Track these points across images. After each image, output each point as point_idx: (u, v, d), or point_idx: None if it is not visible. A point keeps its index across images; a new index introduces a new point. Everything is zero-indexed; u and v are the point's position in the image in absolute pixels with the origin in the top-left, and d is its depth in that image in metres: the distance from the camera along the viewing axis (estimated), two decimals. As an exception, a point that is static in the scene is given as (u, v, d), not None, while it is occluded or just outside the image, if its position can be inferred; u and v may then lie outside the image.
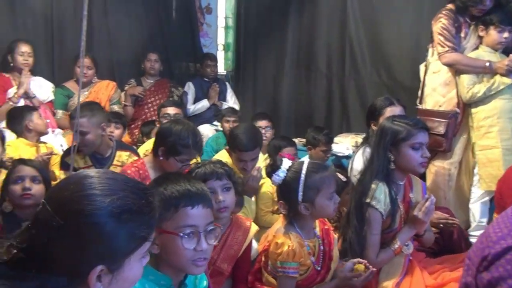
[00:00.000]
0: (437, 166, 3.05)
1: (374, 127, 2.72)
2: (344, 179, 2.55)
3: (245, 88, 5.34)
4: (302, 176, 1.82)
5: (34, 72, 3.95)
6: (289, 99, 4.84)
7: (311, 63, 4.66)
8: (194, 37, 5.19)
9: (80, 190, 0.90)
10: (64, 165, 2.82)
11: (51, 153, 3.14)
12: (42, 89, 3.98)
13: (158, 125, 3.50)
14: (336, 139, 3.96)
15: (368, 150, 2.66)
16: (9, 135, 3.42)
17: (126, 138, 4.15)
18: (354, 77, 4.30)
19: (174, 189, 1.33)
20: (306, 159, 1.91)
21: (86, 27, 4.26)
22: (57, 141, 3.72)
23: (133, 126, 4.37)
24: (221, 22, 5.61)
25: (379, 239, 2.01)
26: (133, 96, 4.44)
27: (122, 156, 2.96)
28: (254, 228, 2.00)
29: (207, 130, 4.62)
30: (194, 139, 2.36)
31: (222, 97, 4.99)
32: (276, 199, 2.98)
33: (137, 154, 3.05)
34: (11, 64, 3.80)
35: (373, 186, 2.03)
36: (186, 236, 1.27)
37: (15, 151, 3.15)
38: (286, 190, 1.86)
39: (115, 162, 2.93)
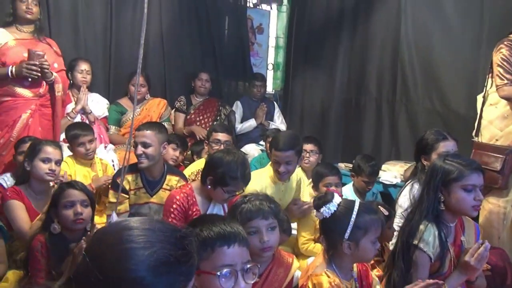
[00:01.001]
0: (492, 204, 2.89)
1: (424, 162, 2.64)
2: (386, 213, 2.48)
3: (293, 109, 5.33)
4: (354, 213, 1.79)
5: (91, 88, 4.15)
6: (337, 122, 4.78)
7: (361, 86, 4.58)
8: (244, 57, 5.26)
9: (119, 243, 0.90)
10: (115, 185, 2.89)
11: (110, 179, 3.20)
12: (98, 105, 4.16)
13: (206, 147, 3.53)
14: (383, 167, 3.87)
15: (416, 186, 2.58)
16: (66, 149, 3.59)
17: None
18: (405, 103, 4.17)
19: (209, 230, 1.35)
20: (357, 200, 1.86)
21: (143, 45, 4.42)
22: (109, 157, 3.86)
23: (182, 144, 4.46)
24: (272, 42, 5.66)
25: (426, 284, 1.92)
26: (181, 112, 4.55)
27: (172, 180, 3.01)
28: (296, 265, 1.97)
29: (252, 150, 4.65)
30: (243, 172, 2.38)
31: (270, 117, 5.02)
32: (317, 226, 2.98)
33: (186, 180, 3.10)
34: (71, 81, 3.99)
35: (421, 227, 1.95)
36: (224, 276, 1.27)
37: (71, 167, 3.30)
38: (332, 225, 1.82)
39: (164, 186, 2.99)
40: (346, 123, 4.74)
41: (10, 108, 3.24)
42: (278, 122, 5.07)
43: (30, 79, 3.19)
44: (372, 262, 2.52)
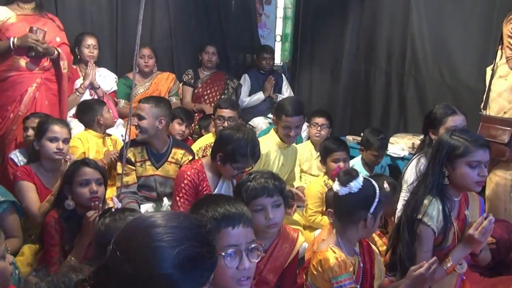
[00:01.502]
0: (499, 176, 2.90)
1: (432, 136, 2.63)
2: (388, 189, 2.51)
3: (301, 80, 5.30)
4: (377, 189, 1.82)
5: (98, 63, 4.15)
6: (346, 94, 4.74)
7: (370, 58, 4.52)
8: (252, 28, 5.20)
9: (148, 241, 0.96)
10: (121, 158, 2.91)
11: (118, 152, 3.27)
12: (106, 80, 4.17)
13: (212, 122, 3.54)
14: (391, 139, 3.86)
15: (422, 160, 2.58)
16: (75, 125, 3.64)
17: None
18: (415, 75, 4.11)
19: (214, 211, 1.38)
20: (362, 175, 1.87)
21: (149, 20, 4.39)
22: (118, 132, 3.89)
23: (190, 116, 4.47)
24: (280, 13, 5.57)
25: (430, 256, 1.94)
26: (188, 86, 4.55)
27: (177, 153, 3.07)
28: (301, 239, 2.01)
29: (261, 123, 4.66)
30: (252, 149, 2.42)
31: (278, 89, 4.99)
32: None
33: (192, 153, 3.14)
34: (78, 56, 4.00)
35: (425, 201, 1.97)
36: (228, 255, 1.31)
37: (84, 143, 3.35)
38: (355, 200, 1.81)
39: (169, 159, 3.05)
40: (354, 95, 4.70)
41: (16, 82, 3.27)
42: (286, 95, 5.04)
43: (33, 53, 3.21)
44: (375, 233, 2.56)
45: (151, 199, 3.12)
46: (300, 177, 3.82)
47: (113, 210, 1.79)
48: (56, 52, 3.37)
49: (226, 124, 3.38)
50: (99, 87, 4.01)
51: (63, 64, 3.43)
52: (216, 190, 2.52)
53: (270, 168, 2.97)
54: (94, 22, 4.16)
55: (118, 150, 3.20)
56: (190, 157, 3.10)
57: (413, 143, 3.71)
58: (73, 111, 3.84)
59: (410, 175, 2.63)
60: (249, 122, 4.76)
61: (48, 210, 2.21)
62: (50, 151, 2.60)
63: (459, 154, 1.93)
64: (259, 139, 3.10)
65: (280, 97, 4.93)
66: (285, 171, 3.07)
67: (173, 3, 4.55)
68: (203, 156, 3.20)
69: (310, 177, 3.80)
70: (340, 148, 3.04)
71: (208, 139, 3.53)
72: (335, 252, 1.79)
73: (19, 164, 2.96)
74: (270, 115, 4.77)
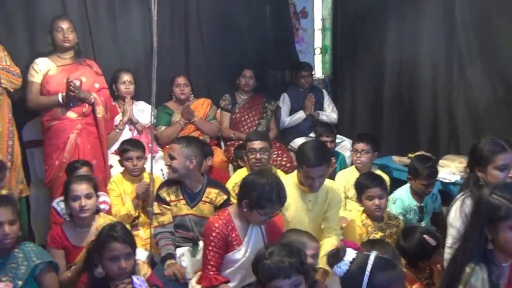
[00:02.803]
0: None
1: (479, 174, 2.40)
2: (434, 243, 2.31)
3: (343, 95, 5.11)
4: (367, 273, 1.60)
5: (136, 97, 4.20)
6: (390, 110, 4.48)
7: (414, 71, 4.23)
8: (289, 44, 5.07)
9: None
10: (159, 198, 3.01)
11: (147, 187, 3.29)
12: (144, 113, 4.21)
13: (245, 157, 3.47)
14: (441, 162, 3.61)
15: (468, 202, 2.36)
16: (116, 162, 3.70)
17: (221, 157, 4.23)
18: (464, 91, 3.80)
19: None
20: (372, 254, 1.64)
21: (183, 48, 4.40)
22: (158, 167, 3.92)
23: (229, 143, 4.43)
24: (317, 25, 5.39)
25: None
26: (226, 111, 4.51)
27: (212, 193, 3.06)
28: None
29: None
30: (278, 194, 2.36)
31: (319, 106, 4.84)
32: (365, 239, 2.86)
33: (226, 192, 3.10)
34: (116, 93, 4.07)
35: (467, 270, 1.77)
36: None
37: (119, 186, 3.41)
38: (349, 284, 1.67)
39: (204, 198, 3.05)
40: (399, 112, 4.41)
41: (58, 131, 3.41)
42: (329, 111, 4.88)
43: (71, 104, 3.37)
44: (420, 285, 2.39)
45: (188, 239, 3.11)
46: (345, 204, 3.67)
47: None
48: (91, 97, 3.48)
49: (258, 155, 3.33)
50: (138, 121, 4.07)
51: (98, 108, 3.54)
52: (246, 238, 2.46)
53: (287, 214, 2.78)
54: (129, 58, 4.20)
55: (146, 183, 3.26)
56: (225, 197, 3.07)
57: (465, 167, 3.42)
58: (114, 147, 3.92)
59: (454, 218, 2.42)
60: (291, 144, 4.66)
61: (79, 274, 2.23)
62: (74, 211, 2.65)
63: (501, 216, 1.72)
64: None
65: (322, 114, 4.79)
66: (316, 216, 2.86)
67: (206, 29, 4.51)
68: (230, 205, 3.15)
69: (356, 204, 3.63)
70: (373, 184, 2.85)
71: (242, 174, 3.47)
72: None
73: (61, 213, 3.06)
74: (312, 135, 4.63)
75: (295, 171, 2.91)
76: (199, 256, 2.97)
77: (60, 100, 3.35)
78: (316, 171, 2.63)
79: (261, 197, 2.31)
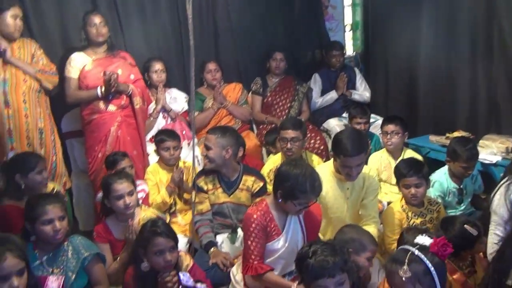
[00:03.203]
0: None
1: None
2: (475, 233, 2.27)
3: (376, 72, 4.97)
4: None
5: (169, 84, 4.23)
6: (427, 88, 4.31)
7: (452, 47, 4.04)
8: (319, 23, 4.96)
9: None
10: (196, 187, 3.06)
11: (182, 172, 3.41)
12: (177, 101, 4.24)
13: (278, 143, 3.43)
14: (481, 142, 3.51)
15: (512, 188, 2.31)
16: (152, 150, 3.77)
17: (255, 141, 4.25)
18: (505, 65, 3.61)
19: None
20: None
21: (212, 32, 4.37)
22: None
23: (261, 127, 4.43)
24: (347, 1, 5.24)
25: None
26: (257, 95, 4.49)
27: (248, 180, 3.09)
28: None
29: (335, 125, 4.49)
30: (312, 184, 2.35)
31: (351, 85, 4.77)
32: (405, 225, 2.85)
33: (262, 179, 3.13)
34: (148, 82, 4.11)
35: (515, 264, 1.75)
36: None
37: (155, 176, 3.48)
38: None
39: (241, 186, 3.09)
40: (436, 89, 4.24)
41: (99, 124, 3.49)
42: (361, 89, 4.80)
43: (110, 97, 3.44)
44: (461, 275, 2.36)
45: (226, 226, 3.17)
46: (380, 187, 3.64)
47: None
48: (129, 89, 3.54)
49: (289, 145, 3.31)
50: (171, 109, 4.11)
51: (136, 100, 3.60)
52: (286, 227, 2.48)
53: (325, 203, 2.81)
54: (160, 46, 4.22)
55: (181, 170, 3.37)
56: (261, 184, 3.10)
57: (507, 148, 3.34)
58: (149, 135, 3.99)
59: (498, 205, 2.38)
60: (323, 125, 4.62)
61: (126, 267, 2.31)
62: (120, 209, 2.73)
63: None
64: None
65: (355, 93, 4.71)
66: (353, 203, 2.86)
67: (234, 12, 4.45)
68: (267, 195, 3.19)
69: (390, 186, 3.62)
70: (409, 174, 2.80)
71: (276, 160, 3.48)
72: None
73: (105, 206, 3.15)
74: (345, 115, 4.58)
75: (331, 160, 2.90)
76: (238, 243, 3.04)
77: (100, 93, 3.41)
78: (354, 161, 2.62)
79: (295, 188, 2.31)
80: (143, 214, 2.80)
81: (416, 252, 1.68)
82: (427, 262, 1.67)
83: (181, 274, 1.95)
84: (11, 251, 1.88)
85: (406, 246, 1.74)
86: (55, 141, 3.37)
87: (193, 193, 3.08)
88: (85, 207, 3.75)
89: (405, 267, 1.65)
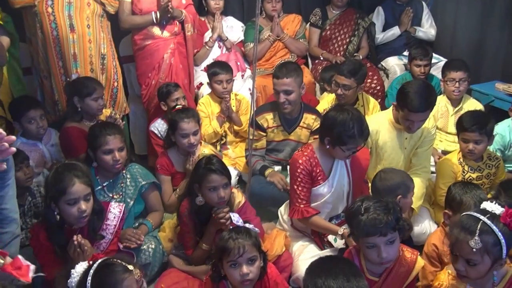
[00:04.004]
0: None
1: None
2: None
3: (445, 7, 4.57)
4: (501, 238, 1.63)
5: (225, 12, 4.13)
6: (500, 29, 3.91)
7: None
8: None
9: None
10: (255, 124, 2.99)
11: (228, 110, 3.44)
12: (233, 30, 4.16)
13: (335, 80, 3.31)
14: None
15: None
16: (205, 79, 3.77)
17: (309, 78, 4.15)
18: None
19: (332, 285, 1.38)
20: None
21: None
22: (246, 86, 3.96)
23: (317, 62, 4.31)
24: None
25: None
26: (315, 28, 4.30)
27: (309, 118, 3.11)
28: (420, 263, 1.93)
29: (394, 65, 4.29)
30: (359, 128, 2.32)
31: (417, 21, 4.46)
32: (459, 178, 2.78)
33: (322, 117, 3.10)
34: (206, 8, 4.02)
35: None
36: None
37: (207, 108, 3.52)
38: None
39: (301, 124, 3.10)
40: (509, 32, 3.91)
41: (152, 50, 3.47)
42: (427, 26, 4.49)
43: (164, 22, 3.38)
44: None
45: (279, 162, 3.22)
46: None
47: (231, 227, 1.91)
48: (183, 15, 3.47)
49: (339, 91, 3.22)
50: (227, 39, 4.04)
51: (187, 27, 3.54)
52: (332, 173, 2.50)
53: (382, 152, 2.76)
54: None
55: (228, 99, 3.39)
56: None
57: None
58: (203, 64, 3.98)
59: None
60: (382, 63, 4.42)
61: (181, 199, 2.43)
62: (184, 146, 2.83)
63: None
64: (374, 115, 2.88)
65: (419, 31, 4.43)
66: (409, 153, 2.80)
67: None
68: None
69: (446, 135, 3.50)
70: (471, 129, 2.66)
71: (330, 100, 3.42)
72: (446, 276, 1.75)
73: (159, 135, 3.26)
74: (405, 53, 4.34)
75: (390, 108, 2.81)
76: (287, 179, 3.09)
77: (154, 19, 3.36)
78: (418, 116, 2.56)
79: (343, 133, 2.28)
80: (203, 150, 2.90)
81: (488, 222, 1.63)
82: (499, 234, 1.62)
83: (232, 215, 2.04)
84: (79, 177, 2.01)
85: (475, 214, 1.68)
86: (117, 67, 3.41)
87: (251, 130, 3.08)
88: (141, 132, 3.88)
89: (477, 237, 1.61)
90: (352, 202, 1.97)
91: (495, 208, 1.68)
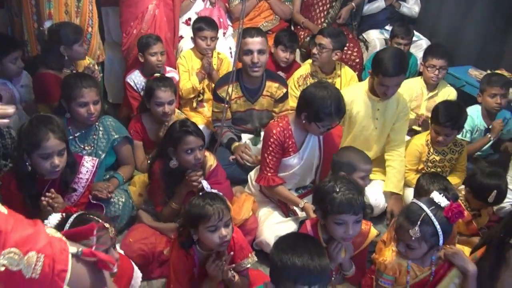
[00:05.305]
0: None
1: None
2: (491, 200, 2.34)
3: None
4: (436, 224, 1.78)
5: (212, -36, 3.98)
6: (487, 11, 3.92)
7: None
8: None
9: None
10: (217, 97, 3.03)
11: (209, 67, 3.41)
12: (218, -16, 4.04)
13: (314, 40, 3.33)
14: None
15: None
16: (187, 33, 3.70)
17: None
18: None
19: (296, 262, 1.47)
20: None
21: None
22: (227, 44, 3.91)
23: (299, 27, 4.27)
24: None
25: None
26: None
27: (272, 87, 3.11)
28: (373, 233, 2.07)
29: (375, 38, 4.31)
30: (337, 107, 2.37)
31: (403, -6, 4.46)
32: (423, 158, 2.91)
33: (285, 85, 3.16)
34: (192, -40, 3.88)
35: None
36: None
37: (188, 62, 3.48)
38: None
39: (264, 93, 3.10)
40: (490, 20, 3.93)
41: (137, -1, 3.34)
42: (412, 2, 4.51)
43: None
44: (467, 215, 2.49)
45: (248, 132, 3.25)
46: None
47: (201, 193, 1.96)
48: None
49: (315, 50, 3.28)
50: (211, -7, 3.94)
51: (175, -22, 3.42)
52: (303, 146, 2.57)
53: (354, 121, 2.83)
54: None
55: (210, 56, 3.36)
56: (284, 90, 3.13)
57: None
58: (185, 17, 3.88)
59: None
60: (363, 34, 4.44)
61: (153, 161, 2.45)
62: (158, 114, 2.80)
63: None
64: (346, 89, 2.94)
65: (404, 6, 4.44)
66: (383, 125, 2.87)
67: None
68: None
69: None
70: (445, 124, 2.75)
71: (309, 67, 3.43)
72: (390, 252, 1.92)
73: (135, 87, 3.21)
74: (388, 28, 4.37)
75: (367, 79, 2.87)
76: (260, 145, 3.13)
77: None
78: (392, 81, 2.63)
79: (320, 110, 2.33)
80: (177, 119, 2.86)
81: (430, 214, 1.77)
82: (438, 226, 1.76)
83: (203, 182, 2.07)
84: (54, 132, 1.99)
85: (421, 204, 1.82)
86: (93, 11, 3.28)
87: (213, 103, 3.10)
88: (115, 80, 3.79)
89: (416, 228, 1.76)
90: (322, 181, 2.05)
91: (442, 200, 1.81)
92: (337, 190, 1.83)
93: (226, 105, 2.85)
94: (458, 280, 1.90)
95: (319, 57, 3.30)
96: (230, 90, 2.76)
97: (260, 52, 2.89)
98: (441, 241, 1.79)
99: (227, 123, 3.10)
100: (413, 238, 1.77)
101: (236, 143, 3.05)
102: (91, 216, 1.64)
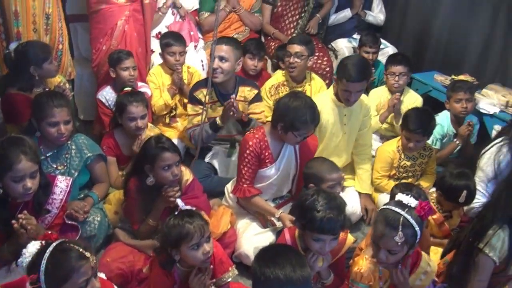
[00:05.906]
0: None
1: None
2: (462, 200, 2.42)
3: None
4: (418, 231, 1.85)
5: (181, -21, 3.99)
6: (444, 21, 4.12)
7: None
8: None
9: None
10: (194, 99, 3.05)
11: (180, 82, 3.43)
12: (188, -2, 4.06)
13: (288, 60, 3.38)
14: (483, 91, 3.52)
15: (504, 150, 2.41)
16: (157, 47, 3.69)
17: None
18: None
19: (279, 275, 1.49)
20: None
21: None
22: (198, 57, 3.92)
23: (269, 38, 4.32)
24: None
25: (485, 285, 1.95)
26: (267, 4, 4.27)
27: (244, 91, 3.14)
28: (350, 240, 2.10)
29: (343, 47, 4.40)
30: (312, 115, 2.43)
31: (368, 4, 4.57)
32: (395, 164, 2.98)
33: (257, 88, 3.19)
34: (160, -26, 3.88)
35: (490, 231, 1.90)
36: None
37: (158, 78, 3.47)
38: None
39: (238, 98, 3.10)
40: (452, 25, 4.07)
41: (107, 16, 3.34)
42: (377, 11, 4.62)
43: None
44: (440, 217, 2.56)
45: (223, 140, 3.24)
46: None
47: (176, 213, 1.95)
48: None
49: (292, 59, 3.32)
50: (181, 6, 3.95)
51: (145, -6, 3.42)
52: (280, 156, 2.59)
53: (324, 131, 2.89)
54: None
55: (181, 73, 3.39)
56: (256, 91, 3.16)
57: (507, 102, 3.37)
58: (155, 31, 3.88)
59: (487, 163, 2.49)
60: (332, 43, 4.52)
61: (128, 177, 2.43)
62: (131, 130, 2.79)
63: None
64: (314, 98, 3.01)
65: (369, 15, 4.55)
66: (350, 130, 2.96)
67: None
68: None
69: (386, 124, 3.67)
70: (416, 131, 2.86)
71: (279, 77, 3.48)
72: (363, 261, 1.94)
73: (106, 104, 3.18)
74: (355, 36, 4.47)
75: (331, 87, 2.95)
76: (234, 157, 3.14)
77: None
78: (354, 86, 2.71)
79: (296, 119, 2.38)
80: (149, 134, 2.84)
81: (408, 216, 1.81)
82: (417, 227, 1.80)
83: (179, 201, 2.06)
84: (26, 154, 1.95)
85: (395, 208, 1.85)
86: (63, 28, 3.23)
87: (189, 106, 3.08)
88: (86, 96, 3.76)
89: (400, 233, 1.78)
90: (303, 193, 2.07)
91: (411, 201, 1.85)
92: (318, 208, 1.85)
93: (204, 108, 2.87)
94: (424, 276, 1.96)
95: (297, 65, 3.33)
96: (205, 92, 2.83)
97: (222, 59, 2.91)
98: (418, 240, 1.83)
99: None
100: (399, 243, 1.79)
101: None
102: (71, 244, 1.59)
